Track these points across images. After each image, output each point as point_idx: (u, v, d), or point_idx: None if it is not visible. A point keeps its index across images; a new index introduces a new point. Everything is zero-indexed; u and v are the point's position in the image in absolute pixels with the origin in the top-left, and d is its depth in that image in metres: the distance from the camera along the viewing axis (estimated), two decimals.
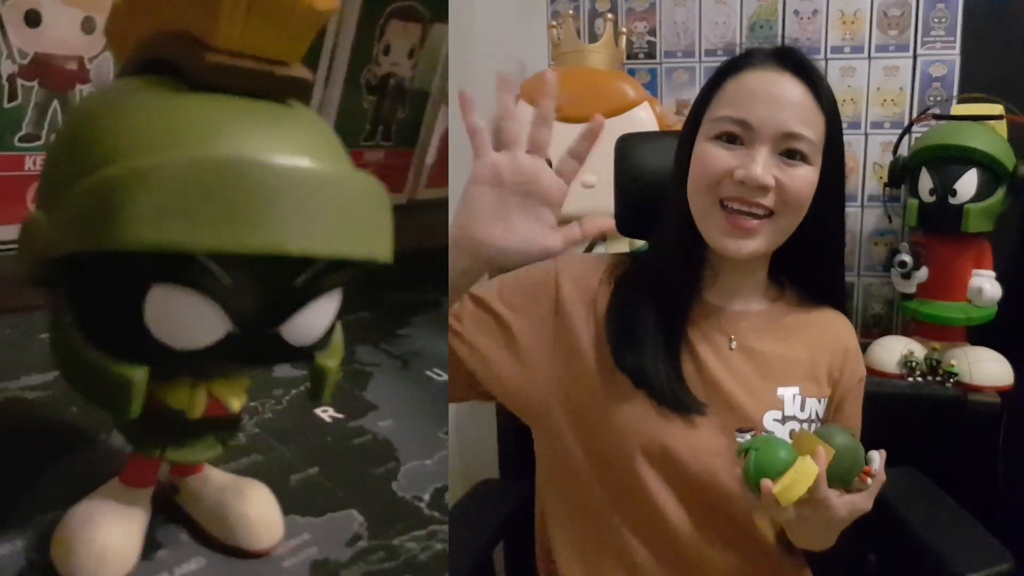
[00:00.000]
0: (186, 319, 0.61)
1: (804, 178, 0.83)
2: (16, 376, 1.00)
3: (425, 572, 0.82)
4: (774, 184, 0.82)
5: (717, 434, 0.85)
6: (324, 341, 0.71)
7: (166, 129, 0.60)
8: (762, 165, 0.81)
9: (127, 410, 0.63)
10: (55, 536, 0.72)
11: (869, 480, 0.79)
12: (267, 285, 0.63)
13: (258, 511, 0.79)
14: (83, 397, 0.68)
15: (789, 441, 0.80)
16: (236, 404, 0.72)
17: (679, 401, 0.84)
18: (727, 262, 0.88)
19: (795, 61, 0.85)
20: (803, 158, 0.83)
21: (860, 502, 0.79)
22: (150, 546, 0.77)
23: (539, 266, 0.90)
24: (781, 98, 0.83)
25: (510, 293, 0.89)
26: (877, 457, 0.81)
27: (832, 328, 0.95)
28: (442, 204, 1.59)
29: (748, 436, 0.83)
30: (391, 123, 1.68)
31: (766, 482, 0.73)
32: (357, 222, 0.64)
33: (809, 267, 0.94)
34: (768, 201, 0.82)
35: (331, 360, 0.73)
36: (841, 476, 0.78)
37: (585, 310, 0.88)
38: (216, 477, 0.83)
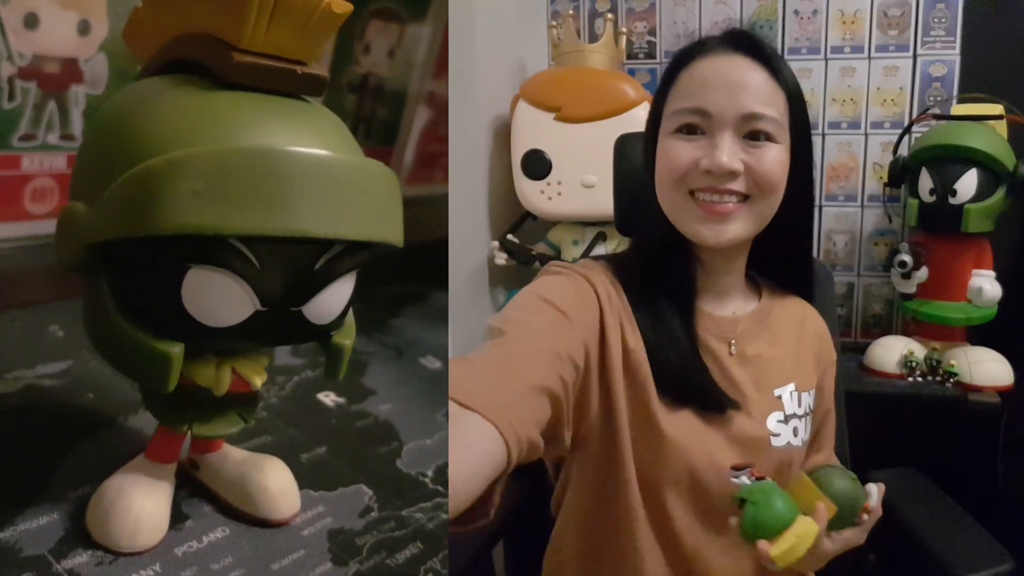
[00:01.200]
0: (219, 299, 0.69)
1: (774, 158, 0.82)
2: (31, 365, 1.06)
3: (433, 539, 0.89)
4: (743, 169, 0.81)
5: (725, 443, 0.87)
6: (340, 321, 0.79)
7: (200, 124, 0.68)
8: (727, 151, 0.80)
9: (165, 384, 0.70)
10: (91, 506, 0.79)
11: (866, 516, 0.82)
12: (291, 267, 0.70)
13: (277, 483, 0.87)
14: (122, 373, 0.75)
15: (804, 476, 0.80)
16: (258, 381, 0.79)
17: (719, 401, 0.85)
18: (713, 260, 0.90)
19: (747, 42, 0.85)
20: (768, 137, 0.82)
21: (853, 538, 0.82)
22: (177, 517, 0.84)
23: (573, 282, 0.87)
24: (737, 81, 0.82)
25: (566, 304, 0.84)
26: (875, 492, 0.83)
27: (808, 317, 0.99)
28: (423, 201, 1.64)
29: (743, 477, 0.81)
30: (371, 122, 1.71)
31: (763, 544, 0.74)
32: (373, 208, 0.72)
33: (781, 255, 0.95)
34: (739, 186, 0.82)
35: (346, 339, 0.81)
36: (841, 520, 0.80)
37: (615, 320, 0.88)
38: (235, 454, 0.90)
